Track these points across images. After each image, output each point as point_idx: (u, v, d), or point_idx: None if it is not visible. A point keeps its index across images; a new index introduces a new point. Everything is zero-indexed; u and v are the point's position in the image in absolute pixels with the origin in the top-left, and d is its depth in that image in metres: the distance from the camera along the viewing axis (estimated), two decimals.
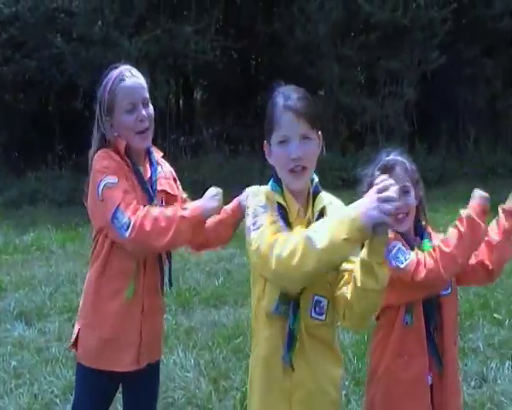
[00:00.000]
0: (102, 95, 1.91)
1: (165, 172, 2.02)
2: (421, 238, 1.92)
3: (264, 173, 7.08)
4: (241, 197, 1.96)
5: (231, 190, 2.10)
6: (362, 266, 1.41)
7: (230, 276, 4.76)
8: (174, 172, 2.09)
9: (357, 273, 1.42)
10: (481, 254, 1.92)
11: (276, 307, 1.53)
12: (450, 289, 1.90)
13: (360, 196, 1.54)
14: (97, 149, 1.91)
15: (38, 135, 9.88)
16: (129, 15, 8.86)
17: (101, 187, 1.82)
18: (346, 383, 2.96)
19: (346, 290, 1.48)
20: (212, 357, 3.32)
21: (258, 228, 1.49)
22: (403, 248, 1.84)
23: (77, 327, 1.95)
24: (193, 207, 1.88)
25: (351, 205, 1.41)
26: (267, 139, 1.58)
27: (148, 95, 1.94)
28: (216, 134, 9.92)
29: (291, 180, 1.55)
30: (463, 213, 1.85)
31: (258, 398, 1.59)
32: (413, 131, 9.69)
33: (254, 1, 10.43)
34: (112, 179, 1.82)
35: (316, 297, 1.54)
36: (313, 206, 1.59)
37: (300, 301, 1.52)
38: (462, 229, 1.82)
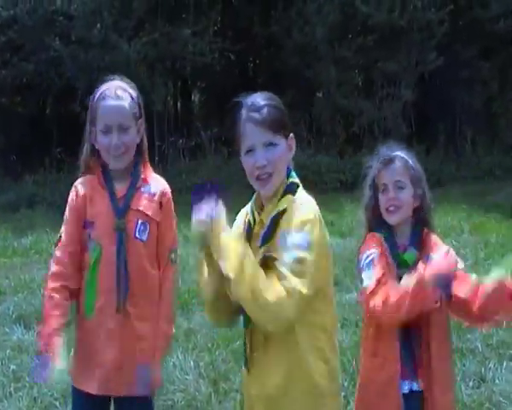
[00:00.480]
0: (90, 103, 1.93)
1: (152, 192, 1.94)
2: (413, 246, 1.89)
3: None
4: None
5: (230, 193, 2.11)
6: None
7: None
8: (168, 191, 1.98)
9: None
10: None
11: None
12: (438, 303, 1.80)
13: (364, 192, 1.74)
14: (84, 166, 1.97)
15: (36, 138, 9.89)
16: (127, 18, 8.89)
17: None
18: (346, 384, 2.97)
19: None
20: (212, 359, 3.33)
21: None
22: (374, 261, 1.84)
23: None
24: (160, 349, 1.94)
25: None
26: (239, 152, 1.61)
27: (128, 121, 1.88)
28: (214, 136, 9.94)
29: (258, 187, 1.61)
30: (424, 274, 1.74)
31: None
32: (411, 132, 9.72)
33: (252, 3, 10.45)
34: (65, 215, 1.94)
35: None
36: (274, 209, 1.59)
37: None
38: (411, 285, 1.73)
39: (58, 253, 1.91)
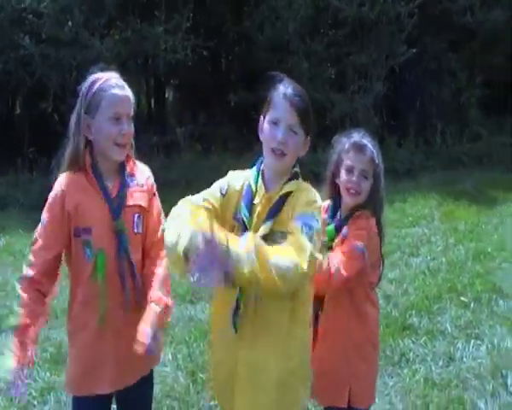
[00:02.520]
0: (87, 92, 1.86)
1: (140, 183, 1.96)
2: (337, 223, 2.06)
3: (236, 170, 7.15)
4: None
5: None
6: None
7: None
8: (150, 174, 2.01)
9: None
10: None
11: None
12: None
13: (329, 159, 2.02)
14: (71, 162, 1.88)
15: (7, 139, 9.76)
16: (98, 16, 8.80)
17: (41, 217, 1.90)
18: None
19: None
20: (190, 351, 3.39)
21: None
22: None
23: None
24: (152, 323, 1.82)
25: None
26: (263, 115, 1.77)
27: (132, 112, 1.92)
28: (188, 133, 9.94)
29: (270, 159, 1.74)
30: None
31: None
32: (382, 124, 9.87)
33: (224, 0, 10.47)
34: (42, 219, 1.89)
35: None
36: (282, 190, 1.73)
37: None
38: None
39: (33, 258, 1.88)
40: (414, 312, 3.74)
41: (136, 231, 1.91)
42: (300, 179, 1.77)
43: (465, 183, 7.85)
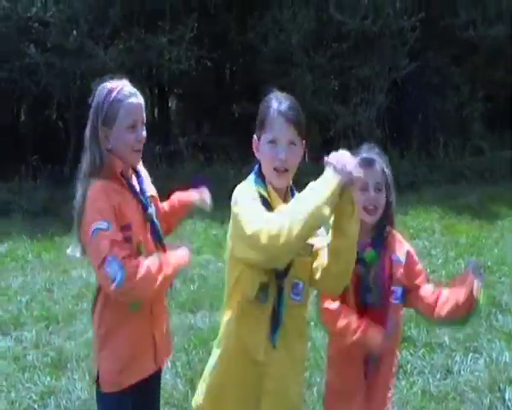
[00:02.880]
0: (103, 103, 1.91)
1: (147, 175, 2.14)
2: (374, 246, 2.04)
3: (239, 181, 7.19)
4: (194, 198, 2.27)
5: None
6: (333, 230, 1.62)
7: (206, 281, 4.84)
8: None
9: (329, 239, 1.65)
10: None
11: (260, 295, 1.68)
12: (399, 300, 2.06)
13: None
14: (91, 172, 1.90)
15: (11, 146, 9.82)
16: (103, 26, 8.90)
17: (92, 231, 1.83)
18: (318, 379, 3.07)
19: (323, 259, 1.70)
20: (189, 359, 3.41)
21: (252, 214, 1.62)
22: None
23: (97, 364, 2.03)
24: (174, 264, 2.00)
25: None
26: (257, 135, 1.75)
27: (145, 117, 2.02)
28: (191, 142, 9.99)
29: (274, 177, 1.74)
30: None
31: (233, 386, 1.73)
32: (385, 137, 9.91)
33: (228, 11, 10.54)
34: (101, 225, 1.83)
35: (294, 281, 1.72)
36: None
37: (284, 286, 1.70)
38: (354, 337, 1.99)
39: (127, 266, 1.83)
40: (412, 324, 3.74)
41: (158, 217, 2.08)
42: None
43: (467, 197, 7.86)
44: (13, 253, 5.97)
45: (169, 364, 3.32)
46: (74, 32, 8.58)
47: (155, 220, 2.04)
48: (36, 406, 3.00)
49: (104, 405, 2.06)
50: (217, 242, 5.80)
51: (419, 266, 2.11)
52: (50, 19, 8.45)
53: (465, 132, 10.22)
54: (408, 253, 2.09)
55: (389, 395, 2.12)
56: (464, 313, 2.00)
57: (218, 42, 10.54)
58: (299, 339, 1.76)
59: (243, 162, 8.05)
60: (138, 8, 9.25)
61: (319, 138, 9.84)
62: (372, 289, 2.02)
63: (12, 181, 8.68)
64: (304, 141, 1.77)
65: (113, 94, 1.91)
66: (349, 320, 1.98)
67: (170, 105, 12.17)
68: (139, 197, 2.00)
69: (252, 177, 1.77)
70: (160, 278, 1.89)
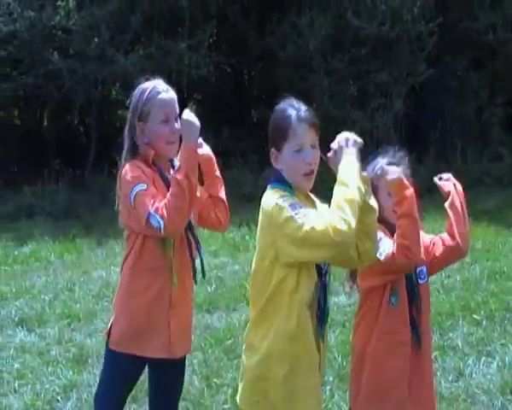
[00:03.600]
0: (137, 102, 2.08)
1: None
2: None
3: (256, 185, 7.28)
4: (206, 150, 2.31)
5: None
6: (361, 210, 1.70)
7: (223, 283, 4.94)
8: None
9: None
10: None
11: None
12: (426, 279, 2.19)
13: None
14: (129, 158, 2.09)
15: (35, 150, 10.07)
16: (124, 32, 9.09)
17: (133, 195, 2.00)
18: (331, 378, 3.14)
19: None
20: (205, 357, 3.51)
21: (304, 215, 1.68)
22: (383, 238, 2.10)
23: (112, 317, 2.18)
24: (181, 158, 2.02)
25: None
26: (276, 147, 1.80)
27: (178, 110, 2.14)
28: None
29: (305, 183, 1.82)
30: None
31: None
32: (402, 142, 9.92)
33: (247, 17, 10.68)
34: (141, 186, 2.00)
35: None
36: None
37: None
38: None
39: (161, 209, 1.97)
40: None
41: None
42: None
43: (485, 202, 7.84)
44: (36, 254, 6.14)
45: (186, 361, 3.42)
46: (96, 38, 8.78)
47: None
48: (59, 398, 3.13)
49: (107, 360, 2.19)
50: (234, 244, 5.90)
51: (425, 239, 2.25)
52: (73, 26, 8.66)
53: (484, 138, 10.16)
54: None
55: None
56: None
57: (237, 48, 10.68)
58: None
59: (261, 167, 8.14)
60: (158, 15, 9.43)
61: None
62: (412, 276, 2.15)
63: (36, 185, 8.92)
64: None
65: (147, 92, 2.07)
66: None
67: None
68: (169, 185, 2.05)
69: (275, 185, 1.81)
70: (186, 195, 1.97)
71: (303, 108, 1.80)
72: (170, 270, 2.06)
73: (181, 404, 2.98)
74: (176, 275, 2.06)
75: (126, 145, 2.11)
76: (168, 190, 2.03)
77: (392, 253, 2.04)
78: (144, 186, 2.00)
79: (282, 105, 1.83)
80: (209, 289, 4.75)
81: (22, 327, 4.15)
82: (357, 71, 9.81)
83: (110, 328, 2.15)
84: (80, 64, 8.78)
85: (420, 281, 2.15)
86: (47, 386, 3.21)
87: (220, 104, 11.12)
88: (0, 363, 3.57)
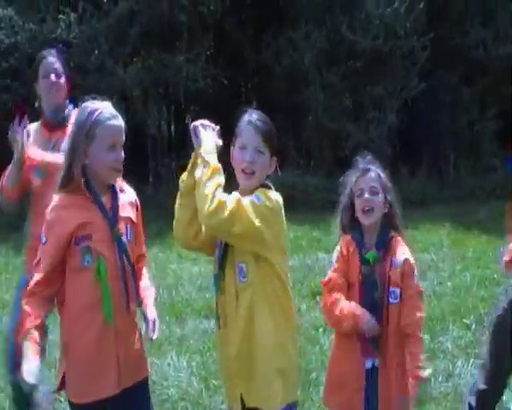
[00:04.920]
0: (86, 120, 1.99)
1: (129, 199, 2.14)
2: (376, 248, 2.22)
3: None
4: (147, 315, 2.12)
5: None
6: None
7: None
8: (137, 200, 2.21)
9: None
10: None
11: None
12: (397, 300, 2.21)
13: (341, 198, 2.25)
14: (61, 185, 2.01)
15: None
16: (123, 45, 9.27)
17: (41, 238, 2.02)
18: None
19: None
20: (203, 360, 3.61)
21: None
22: (333, 261, 2.27)
23: (61, 369, 2.06)
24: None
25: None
26: (233, 144, 2.01)
27: (124, 139, 2.08)
28: None
29: (242, 179, 2.00)
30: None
31: None
32: (396, 155, 10.09)
33: (243, 30, 10.88)
34: (43, 238, 1.99)
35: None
36: None
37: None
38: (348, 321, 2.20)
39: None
40: None
41: (129, 238, 2.08)
42: (270, 190, 1.98)
43: (478, 213, 7.99)
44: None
45: (185, 364, 3.54)
46: (96, 51, 8.95)
47: (123, 240, 2.04)
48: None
49: None
50: None
51: (412, 280, 2.22)
52: (73, 39, 8.84)
53: (476, 150, 10.36)
54: (405, 261, 2.23)
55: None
56: None
57: (234, 60, 10.87)
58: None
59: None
60: (156, 29, 9.61)
61: (332, 156, 10.05)
62: (378, 286, 2.19)
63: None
64: (272, 156, 1.99)
65: (95, 114, 1.99)
66: (342, 306, 2.17)
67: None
68: (105, 213, 2.02)
69: None
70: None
71: (256, 116, 2.00)
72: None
73: (180, 404, 3.11)
74: (108, 307, 1.98)
75: (63, 171, 2.03)
76: (103, 214, 2.01)
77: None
78: (43, 240, 2.00)
79: (247, 110, 2.04)
80: (207, 296, 4.85)
81: None
82: (351, 84, 10.00)
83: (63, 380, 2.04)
84: (80, 76, 8.94)
85: (391, 300, 2.19)
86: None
87: (217, 116, 11.23)
88: None
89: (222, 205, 1.82)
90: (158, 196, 8.62)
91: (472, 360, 3.47)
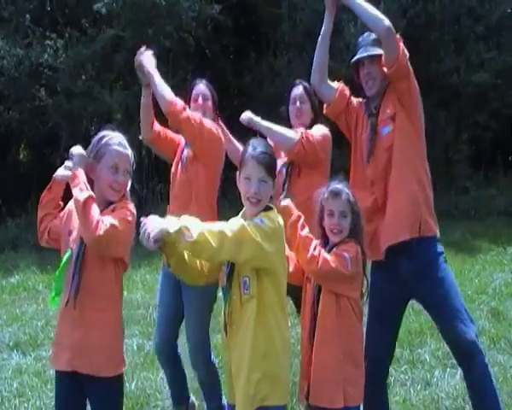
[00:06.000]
0: (97, 143, 2.39)
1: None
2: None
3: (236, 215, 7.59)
4: None
5: None
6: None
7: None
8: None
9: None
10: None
11: None
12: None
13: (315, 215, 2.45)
14: None
15: (17, 184, 10.26)
16: (109, 71, 9.48)
17: None
18: None
19: None
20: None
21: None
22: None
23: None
24: None
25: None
26: (239, 171, 2.24)
27: (130, 167, 2.41)
28: None
29: (248, 206, 2.23)
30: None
31: None
32: None
33: (225, 56, 11.17)
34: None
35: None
36: None
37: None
38: None
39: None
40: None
41: None
42: (273, 210, 2.22)
43: (453, 233, 8.29)
44: (24, 284, 6.33)
45: None
46: (83, 76, 9.13)
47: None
48: None
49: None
50: None
51: (336, 257, 2.44)
52: (60, 65, 9.01)
53: (451, 172, 10.73)
54: (338, 247, 2.48)
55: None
56: None
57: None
58: None
59: (236, 200, 8.46)
60: None
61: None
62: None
63: (19, 217, 9.11)
64: (275, 178, 2.25)
65: (106, 138, 2.37)
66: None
67: None
68: None
69: None
70: None
71: (260, 149, 2.19)
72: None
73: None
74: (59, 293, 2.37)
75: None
76: None
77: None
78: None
79: (250, 141, 2.28)
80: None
81: (17, 351, 4.34)
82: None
83: None
84: (66, 100, 9.11)
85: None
86: (47, 401, 3.41)
87: None
88: None
89: (224, 239, 2.04)
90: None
91: (448, 370, 3.69)
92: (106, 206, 2.37)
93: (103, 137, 2.41)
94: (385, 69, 2.83)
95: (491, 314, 4.90)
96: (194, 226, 2.01)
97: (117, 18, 9.17)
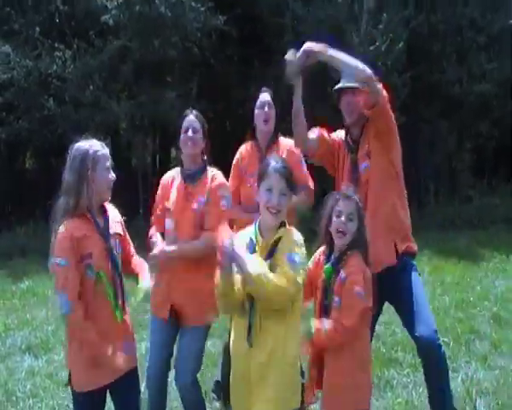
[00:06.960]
0: (86, 155, 2.43)
1: (115, 219, 2.59)
2: (332, 263, 2.58)
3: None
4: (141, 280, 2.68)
5: None
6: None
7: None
8: (119, 215, 2.66)
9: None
10: None
11: None
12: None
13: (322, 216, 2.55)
14: (65, 213, 2.40)
15: (26, 192, 10.43)
16: (116, 81, 9.65)
17: (53, 263, 2.37)
18: None
19: None
20: (202, 374, 3.84)
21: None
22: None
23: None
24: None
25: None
26: (258, 183, 2.36)
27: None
28: None
29: (267, 216, 2.33)
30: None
31: None
32: None
33: (230, 66, 11.33)
34: (63, 261, 2.35)
35: None
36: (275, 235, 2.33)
37: None
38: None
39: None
40: (399, 348, 4.22)
41: (118, 251, 2.53)
42: (287, 226, 2.36)
43: (456, 241, 8.38)
44: (33, 289, 6.44)
45: None
46: (90, 86, 9.30)
47: (114, 253, 2.48)
48: None
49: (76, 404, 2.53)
50: None
51: (351, 300, 2.49)
52: (68, 75, 9.18)
53: (454, 181, 10.83)
54: (348, 276, 2.53)
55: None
56: None
57: (221, 95, 11.27)
58: None
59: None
60: (148, 66, 9.98)
61: (319, 189, 10.40)
62: (328, 295, 2.55)
63: (28, 224, 9.24)
64: (294, 192, 2.39)
65: (92, 149, 2.46)
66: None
67: (173, 154, 12.81)
68: (101, 231, 2.46)
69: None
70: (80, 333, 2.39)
71: (281, 164, 2.34)
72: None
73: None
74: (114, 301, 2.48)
75: (72, 200, 2.40)
76: (100, 235, 2.44)
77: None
78: (65, 262, 2.35)
79: (272, 156, 2.50)
80: None
81: (29, 354, 4.46)
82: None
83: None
84: (74, 110, 9.27)
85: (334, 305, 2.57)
86: (60, 402, 3.52)
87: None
88: (12, 384, 3.87)
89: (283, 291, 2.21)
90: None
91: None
92: (99, 209, 2.51)
93: (89, 148, 2.46)
94: (365, 111, 2.98)
95: (493, 320, 4.98)
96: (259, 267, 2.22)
97: (123, 29, 9.35)
